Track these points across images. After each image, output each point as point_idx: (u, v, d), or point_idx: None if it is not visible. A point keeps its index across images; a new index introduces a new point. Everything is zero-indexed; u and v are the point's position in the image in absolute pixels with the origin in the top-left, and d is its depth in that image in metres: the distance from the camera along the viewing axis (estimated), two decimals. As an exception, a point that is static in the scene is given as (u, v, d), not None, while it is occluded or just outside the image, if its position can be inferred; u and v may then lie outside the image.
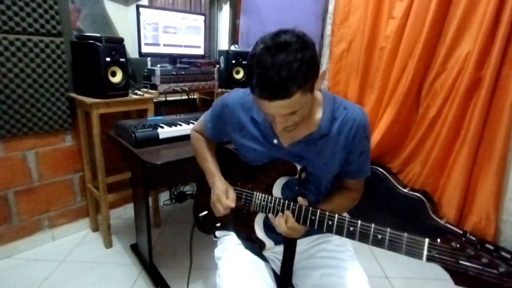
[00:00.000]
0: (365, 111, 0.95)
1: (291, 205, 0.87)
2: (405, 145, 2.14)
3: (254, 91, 0.75)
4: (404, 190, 2.06)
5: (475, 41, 1.69)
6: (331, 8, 2.35)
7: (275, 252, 1.03)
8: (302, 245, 1.02)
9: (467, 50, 1.75)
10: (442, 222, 1.88)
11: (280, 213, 0.88)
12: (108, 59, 1.60)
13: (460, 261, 0.63)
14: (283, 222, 0.86)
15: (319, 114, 0.91)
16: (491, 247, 0.61)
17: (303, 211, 0.84)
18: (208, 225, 1.11)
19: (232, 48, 2.34)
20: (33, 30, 1.61)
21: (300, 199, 0.89)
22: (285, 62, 0.70)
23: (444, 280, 1.73)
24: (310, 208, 0.84)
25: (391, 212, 2.11)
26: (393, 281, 1.74)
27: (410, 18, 1.92)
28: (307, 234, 1.02)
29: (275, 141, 0.94)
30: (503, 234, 1.77)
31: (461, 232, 0.66)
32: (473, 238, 0.63)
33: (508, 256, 0.60)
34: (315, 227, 0.83)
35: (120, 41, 1.68)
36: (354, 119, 0.91)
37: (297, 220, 0.85)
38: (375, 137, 2.14)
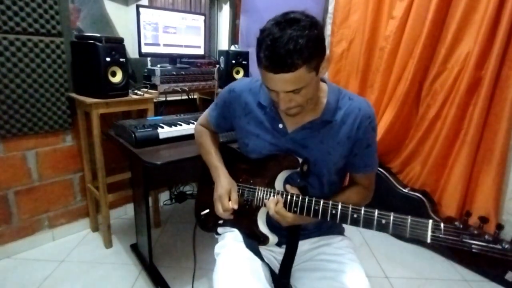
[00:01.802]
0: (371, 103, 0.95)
1: (294, 197, 0.87)
2: (405, 145, 2.14)
3: (261, 63, 0.77)
4: (404, 190, 2.06)
5: (475, 41, 1.69)
6: (331, 8, 2.35)
7: (274, 252, 1.03)
8: (303, 246, 1.02)
9: (467, 50, 1.75)
10: (442, 222, 1.88)
11: (272, 197, 0.90)
12: (108, 59, 1.60)
13: (464, 239, 0.64)
14: (273, 205, 0.88)
15: (323, 102, 0.93)
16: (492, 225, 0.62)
17: (306, 202, 0.85)
18: (210, 223, 1.11)
19: (232, 48, 2.34)
20: (33, 30, 1.61)
21: (288, 186, 0.91)
22: (292, 36, 0.72)
23: (444, 280, 1.74)
24: (314, 199, 0.84)
25: (391, 212, 2.11)
26: (393, 281, 1.74)
27: (410, 18, 1.92)
28: (308, 236, 1.03)
29: (280, 125, 0.95)
30: (503, 234, 1.77)
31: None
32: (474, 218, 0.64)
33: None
34: (319, 217, 0.83)
35: (120, 41, 1.68)
36: (359, 109, 0.92)
37: (300, 209, 0.85)
38: (375, 137, 2.14)
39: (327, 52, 0.82)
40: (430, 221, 0.68)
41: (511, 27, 1.58)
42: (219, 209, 0.98)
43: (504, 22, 1.57)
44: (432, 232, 0.67)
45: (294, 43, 0.72)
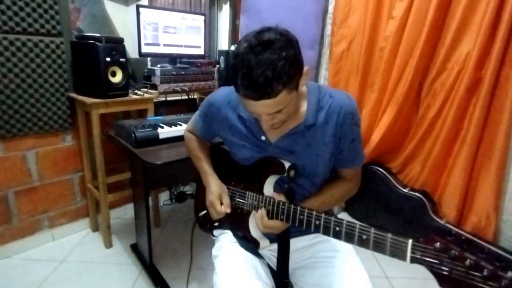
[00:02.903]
0: (353, 97, 0.94)
1: (281, 204, 0.87)
2: (405, 145, 2.14)
3: (239, 91, 0.75)
4: (404, 190, 2.05)
5: (475, 41, 1.69)
6: (331, 8, 2.35)
7: (271, 249, 1.03)
8: (301, 243, 1.02)
9: (467, 50, 1.75)
10: (442, 222, 1.88)
11: (257, 212, 0.90)
12: (108, 59, 1.60)
13: (444, 263, 0.60)
14: (260, 222, 0.89)
15: (304, 106, 0.91)
16: (478, 247, 0.58)
17: (291, 210, 0.84)
18: (208, 224, 1.12)
19: (232, 48, 2.34)
20: (33, 30, 1.61)
21: (275, 194, 0.90)
22: (269, 61, 0.70)
23: (444, 280, 1.74)
24: (299, 208, 0.83)
25: (391, 212, 2.11)
26: (393, 281, 1.74)
27: (410, 18, 1.92)
28: (305, 232, 1.03)
29: (263, 137, 0.94)
30: (503, 234, 1.77)
31: (447, 229, 0.64)
32: (460, 237, 0.60)
33: (495, 257, 0.57)
34: (304, 227, 0.83)
35: (120, 41, 1.68)
36: (341, 106, 0.89)
37: (286, 218, 0.85)
38: (375, 137, 2.13)
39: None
40: (410, 240, 0.65)
41: (511, 27, 1.58)
42: (214, 215, 1.00)
43: (504, 22, 1.57)
44: (412, 252, 0.64)
45: (273, 68, 0.69)
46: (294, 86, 0.76)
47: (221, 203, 0.99)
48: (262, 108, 0.76)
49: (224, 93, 1.02)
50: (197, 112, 1.13)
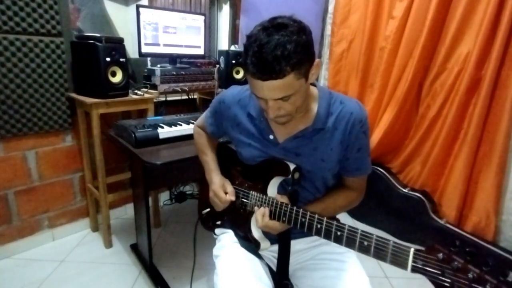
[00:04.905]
0: (363, 106, 0.94)
1: (283, 205, 0.87)
2: (405, 145, 2.14)
3: (248, 69, 0.76)
4: (404, 190, 2.06)
5: (475, 41, 1.69)
6: (331, 8, 2.35)
7: (272, 250, 1.03)
8: (301, 244, 1.02)
9: (467, 50, 1.75)
10: (442, 222, 1.88)
11: (261, 209, 0.90)
12: (108, 59, 1.60)
13: (446, 274, 0.59)
14: (260, 218, 0.89)
15: (314, 109, 0.91)
16: (483, 260, 0.56)
17: (293, 213, 0.84)
18: (210, 222, 1.12)
19: (232, 48, 2.34)
20: (33, 30, 1.61)
21: (278, 195, 0.91)
22: (280, 42, 0.71)
23: (444, 280, 1.74)
24: (301, 210, 0.83)
25: (391, 212, 2.11)
26: (393, 281, 1.74)
27: (410, 18, 1.92)
28: (306, 234, 1.02)
29: (271, 136, 0.94)
30: (503, 234, 1.77)
31: (456, 233, 0.62)
32: (464, 248, 0.58)
33: (500, 271, 0.54)
34: (305, 230, 0.82)
35: (120, 41, 1.68)
36: (351, 113, 0.89)
37: (288, 220, 0.85)
38: (375, 137, 2.14)
39: (322, 68, 0.80)
40: (412, 249, 0.64)
41: (511, 27, 1.58)
42: (218, 205, 1.00)
43: (504, 22, 1.57)
44: (414, 262, 0.63)
45: (282, 49, 0.70)
46: (303, 74, 0.76)
47: (226, 194, 1.00)
48: (269, 91, 0.76)
49: (235, 92, 1.03)
50: (208, 109, 1.14)
